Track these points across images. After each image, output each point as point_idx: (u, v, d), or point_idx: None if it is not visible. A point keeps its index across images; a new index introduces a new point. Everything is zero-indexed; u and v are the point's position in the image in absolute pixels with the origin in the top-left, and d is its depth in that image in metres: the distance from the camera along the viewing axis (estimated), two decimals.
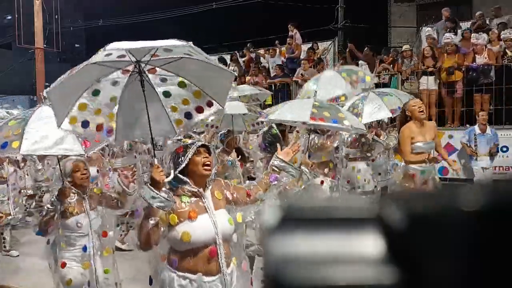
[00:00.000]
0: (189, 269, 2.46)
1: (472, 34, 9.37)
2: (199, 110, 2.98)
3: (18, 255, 6.20)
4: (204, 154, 2.62)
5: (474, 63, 8.94)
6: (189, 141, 2.68)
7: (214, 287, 2.49)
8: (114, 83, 2.88)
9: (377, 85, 10.26)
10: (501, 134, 8.23)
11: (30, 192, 7.32)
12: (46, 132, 3.12)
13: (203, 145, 2.68)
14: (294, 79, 10.72)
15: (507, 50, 8.85)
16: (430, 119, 9.48)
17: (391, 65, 10.12)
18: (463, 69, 9.05)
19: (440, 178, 8.97)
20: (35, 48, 16.74)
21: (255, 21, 17.18)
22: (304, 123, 3.80)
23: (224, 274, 2.50)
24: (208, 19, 17.78)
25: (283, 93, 10.65)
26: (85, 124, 2.80)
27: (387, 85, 10.03)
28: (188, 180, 2.55)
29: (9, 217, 6.11)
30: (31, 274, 5.49)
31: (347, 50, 11.16)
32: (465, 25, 10.91)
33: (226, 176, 4.92)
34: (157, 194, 2.37)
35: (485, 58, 8.96)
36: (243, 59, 12.79)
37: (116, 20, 19.63)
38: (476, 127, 8.00)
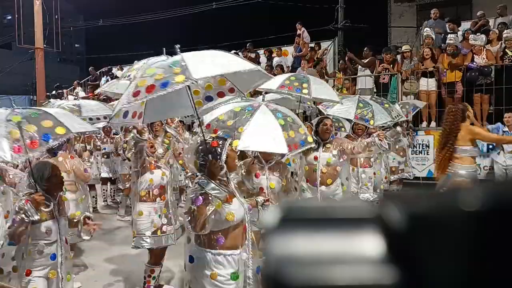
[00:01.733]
0: (232, 246, 2.95)
1: (470, 35, 9.39)
2: (220, 94, 3.33)
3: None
4: (234, 150, 3.07)
5: (474, 63, 8.94)
6: (222, 137, 3.13)
7: (243, 258, 3.02)
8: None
9: (377, 85, 10.29)
10: (501, 134, 8.23)
11: None
12: None
13: (230, 142, 3.10)
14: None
15: (507, 50, 8.86)
16: (430, 120, 9.51)
17: (391, 65, 10.12)
18: (462, 69, 9.06)
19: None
20: (35, 48, 16.75)
21: (255, 21, 17.19)
22: None
23: (248, 246, 3.04)
24: (208, 19, 17.79)
25: None
26: (125, 114, 3.20)
27: (387, 85, 10.04)
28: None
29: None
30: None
31: (346, 58, 11.13)
32: (465, 25, 10.91)
33: None
34: (217, 185, 2.86)
35: (483, 58, 8.97)
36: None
37: (116, 20, 19.64)
38: (500, 124, 7.97)
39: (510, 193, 0.29)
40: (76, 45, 25.53)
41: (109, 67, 16.35)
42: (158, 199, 4.46)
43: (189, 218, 2.81)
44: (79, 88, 15.39)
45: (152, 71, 2.84)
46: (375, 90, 10.07)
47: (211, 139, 3.04)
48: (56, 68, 20.36)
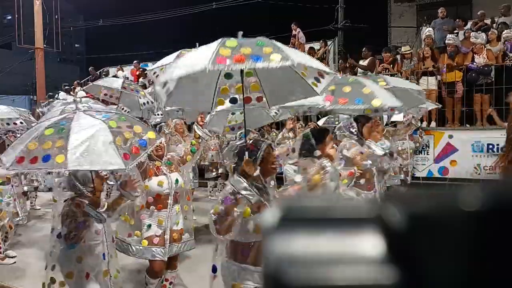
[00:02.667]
0: (254, 261, 2.70)
1: (472, 33, 9.38)
2: (247, 100, 3.14)
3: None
4: (272, 154, 2.87)
5: (474, 63, 8.94)
6: (260, 139, 3.00)
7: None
8: None
9: None
10: (501, 134, 8.23)
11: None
12: (89, 144, 2.93)
13: (270, 144, 2.91)
14: None
15: (508, 52, 8.86)
16: (430, 120, 9.51)
17: (391, 65, 10.12)
18: (463, 69, 9.06)
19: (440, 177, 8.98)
20: (35, 48, 16.76)
21: (255, 21, 17.19)
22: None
23: None
24: (208, 19, 17.79)
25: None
26: (233, 100, 3.15)
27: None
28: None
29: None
30: (30, 274, 5.49)
31: (347, 65, 11.11)
32: (467, 25, 10.91)
33: None
34: (249, 185, 2.63)
35: (484, 58, 8.97)
36: None
37: (116, 20, 19.63)
38: None
39: (510, 193, 0.29)
40: (76, 45, 25.53)
41: (107, 69, 16.34)
42: (152, 207, 4.10)
43: (215, 219, 2.61)
44: (79, 88, 15.40)
45: (234, 44, 2.64)
46: None
47: (250, 141, 2.86)
48: (56, 68, 20.36)
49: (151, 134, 3.21)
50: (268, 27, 16.12)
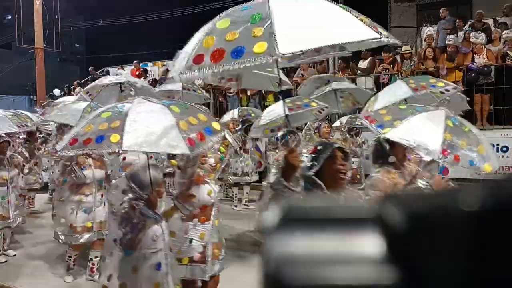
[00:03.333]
0: None
1: (471, 33, 9.38)
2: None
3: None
4: (339, 160, 2.40)
5: (474, 63, 8.94)
6: (325, 143, 2.63)
7: None
8: None
9: (377, 85, 10.28)
10: (501, 134, 8.23)
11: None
12: (149, 125, 2.68)
13: (339, 148, 2.45)
14: (294, 79, 10.73)
15: (508, 51, 8.85)
16: None
17: (391, 65, 10.12)
18: (463, 69, 9.06)
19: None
20: (35, 48, 16.76)
21: None
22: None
23: None
24: (208, 19, 17.78)
25: (283, 93, 10.64)
26: None
27: (387, 85, 10.02)
28: (322, 184, 2.36)
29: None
30: (30, 274, 5.49)
31: (349, 69, 11.08)
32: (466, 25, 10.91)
33: None
34: (290, 186, 2.33)
35: (484, 58, 8.96)
36: None
37: (116, 20, 19.64)
38: None
39: (510, 193, 0.29)
40: (76, 45, 25.53)
41: (106, 69, 16.33)
42: (196, 219, 3.61)
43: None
44: (79, 88, 15.40)
45: (225, 24, 2.25)
46: (375, 90, 10.07)
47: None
48: (56, 68, 20.35)
49: (215, 125, 2.93)
50: None
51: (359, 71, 10.67)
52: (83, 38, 24.95)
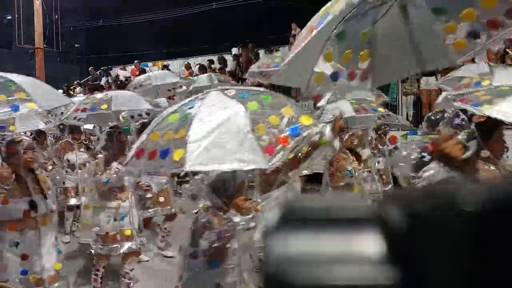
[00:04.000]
0: None
1: None
2: (351, 75, 2.27)
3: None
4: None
5: (474, 63, 8.93)
6: None
7: None
8: (362, 16, 2.16)
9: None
10: None
11: None
12: (217, 134, 2.20)
13: None
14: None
15: (508, 50, 8.85)
16: None
17: None
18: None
19: None
20: (35, 48, 16.75)
21: (255, 21, 17.19)
22: None
23: None
24: (208, 19, 17.78)
25: (283, 93, 10.65)
26: (334, 75, 2.21)
27: (387, 85, 10.02)
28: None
29: None
30: None
31: None
32: None
33: None
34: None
35: (484, 58, 8.96)
36: (241, 58, 12.83)
37: (116, 20, 19.63)
38: None
39: (510, 193, 0.29)
40: (76, 45, 25.55)
41: (109, 66, 16.35)
42: None
43: None
44: (79, 88, 15.39)
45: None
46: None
47: None
48: (56, 68, 20.35)
49: (305, 119, 2.32)
50: (268, 27, 16.12)
51: None
52: (83, 38, 24.96)
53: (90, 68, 16.28)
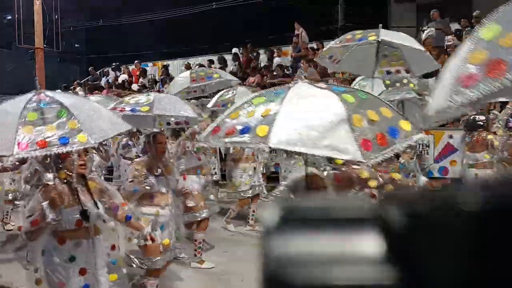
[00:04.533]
0: None
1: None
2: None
3: None
4: None
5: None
6: None
7: None
8: None
9: None
10: None
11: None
12: (309, 117, 2.07)
13: None
14: (295, 79, 10.75)
15: None
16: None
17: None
18: None
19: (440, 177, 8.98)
20: (35, 48, 16.75)
21: (255, 21, 17.19)
22: None
23: None
24: (208, 19, 17.78)
25: None
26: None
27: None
28: None
29: None
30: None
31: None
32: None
33: None
34: None
35: None
36: (241, 58, 12.83)
37: (116, 20, 19.63)
38: None
39: (510, 193, 0.29)
40: (76, 45, 25.55)
41: (107, 69, 16.32)
42: None
43: None
44: (79, 88, 15.39)
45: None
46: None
47: None
48: (56, 68, 20.35)
49: (404, 124, 2.19)
50: (268, 27, 16.12)
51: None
52: (83, 38, 24.96)
53: (90, 68, 16.28)
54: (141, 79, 14.31)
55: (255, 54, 12.94)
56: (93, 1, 20.46)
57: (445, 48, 9.59)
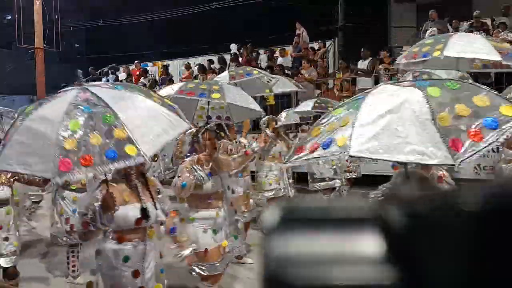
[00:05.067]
0: None
1: (471, 34, 9.38)
2: None
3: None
4: None
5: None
6: None
7: None
8: None
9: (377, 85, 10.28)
10: None
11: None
12: (388, 121, 1.96)
13: None
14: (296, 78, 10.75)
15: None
16: None
17: (391, 65, 10.13)
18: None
19: None
20: (35, 48, 16.75)
21: (255, 21, 17.18)
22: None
23: None
24: (208, 19, 17.78)
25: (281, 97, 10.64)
26: None
27: None
28: None
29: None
30: None
31: (348, 74, 11.07)
32: (465, 25, 10.91)
33: None
34: None
35: None
36: (241, 58, 12.83)
37: (116, 20, 19.62)
38: None
39: (510, 193, 0.29)
40: (76, 45, 25.53)
41: (107, 69, 16.31)
42: None
43: None
44: None
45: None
46: None
47: None
48: (56, 68, 20.34)
49: (506, 109, 1.96)
50: (268, 27, 16.12)
51: (359, 71, 10.68)
52: (83, 38, 24.95)
53: (90, 68, 16.28)
54: (141, 79, 14.31)
55: (254, 54, 12.94)
56: (93, 1, 20.45)
57: None
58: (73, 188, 4.80)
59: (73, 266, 4.94)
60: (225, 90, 4.59)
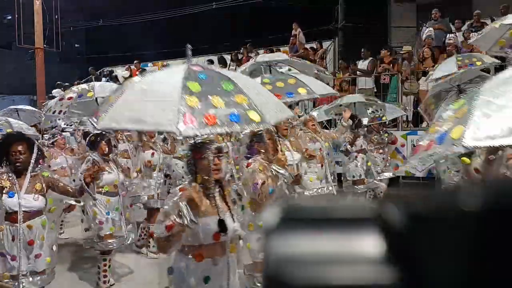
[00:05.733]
0: None
1: (471, 34, 9.39)
2: None
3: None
4: None
5: (472, 64, 8.93)
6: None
7: None
8: None
9: (378, 85, 10.29)
10: None
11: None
12: (506, 104, 1.75)
13: None
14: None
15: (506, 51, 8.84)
16: (430, 120, 9.50)
17: (391, 65, 10.13)
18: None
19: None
20: (35, 48, 16.75)
21: (255, 21, 17.19)
22: None
23: None
24: (208, 19, 17.78)
25: None
26: None
27: (387, 85, 10.04)
28: None
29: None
30: None
31: (348, 74, 11.07)
32: (465, 25, 10.91)
33: None
34: None
35: None
36: (240, 58, 12.84)
37: (116, 20, 19.62)
38: None
39: (510, 193, 0.29)
40: (76, 45, 25.54)
41: (107, 69, 16.31)
42: None
43: None
44: None
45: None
46: (375, 90, 10.08)
47: None
48: (56, 68, 20.33)
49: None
50: (268, 27, 16.11)
51: (359, 71, 10.69)
52: (83, 38, 24.96)
53: (90, 68, 16.27)
54: None
55: (254, 54, 12.94)
56: (93, 1, 20.44)
57: (445, 47, 9.59)
58: (106, 190, 4.75)
59: (104, 275, 4.77)
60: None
